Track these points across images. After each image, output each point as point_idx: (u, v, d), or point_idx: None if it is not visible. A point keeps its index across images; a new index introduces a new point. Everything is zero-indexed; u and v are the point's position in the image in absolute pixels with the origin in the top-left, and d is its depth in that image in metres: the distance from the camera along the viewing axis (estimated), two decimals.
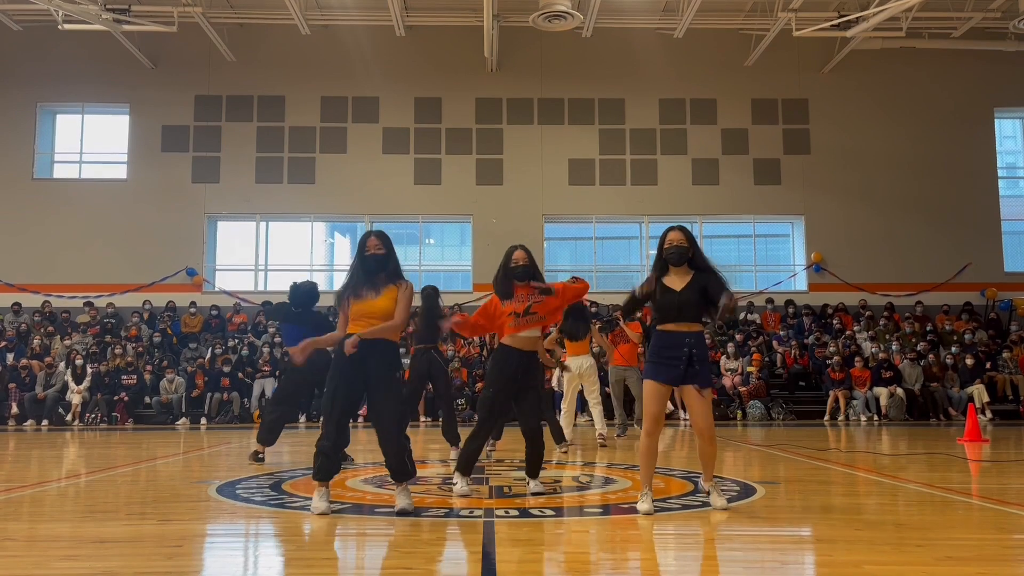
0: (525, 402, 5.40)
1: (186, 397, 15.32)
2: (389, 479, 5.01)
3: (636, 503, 4.71)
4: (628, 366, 11.00)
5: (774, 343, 17.35)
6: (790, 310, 18.42)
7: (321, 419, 4.91)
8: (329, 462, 4.74)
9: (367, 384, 4.75)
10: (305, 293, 7.79)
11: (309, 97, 19.19)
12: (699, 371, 4.72)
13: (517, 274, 5.35)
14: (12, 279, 18.22)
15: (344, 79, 19.18)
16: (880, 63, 19.13)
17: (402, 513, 4.59)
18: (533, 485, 5.42)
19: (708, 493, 4.92)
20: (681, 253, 4.82)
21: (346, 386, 4.74)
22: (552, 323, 5.61)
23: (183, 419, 14.98)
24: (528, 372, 5.41)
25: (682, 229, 4.94)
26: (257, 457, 7.45)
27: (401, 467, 4.74)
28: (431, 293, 8.34)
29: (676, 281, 4.82)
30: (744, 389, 15.52)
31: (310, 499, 5.22)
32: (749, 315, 18.35)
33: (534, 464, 5.45)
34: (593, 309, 17.79)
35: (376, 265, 4.82)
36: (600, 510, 4.94)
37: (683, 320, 4.75)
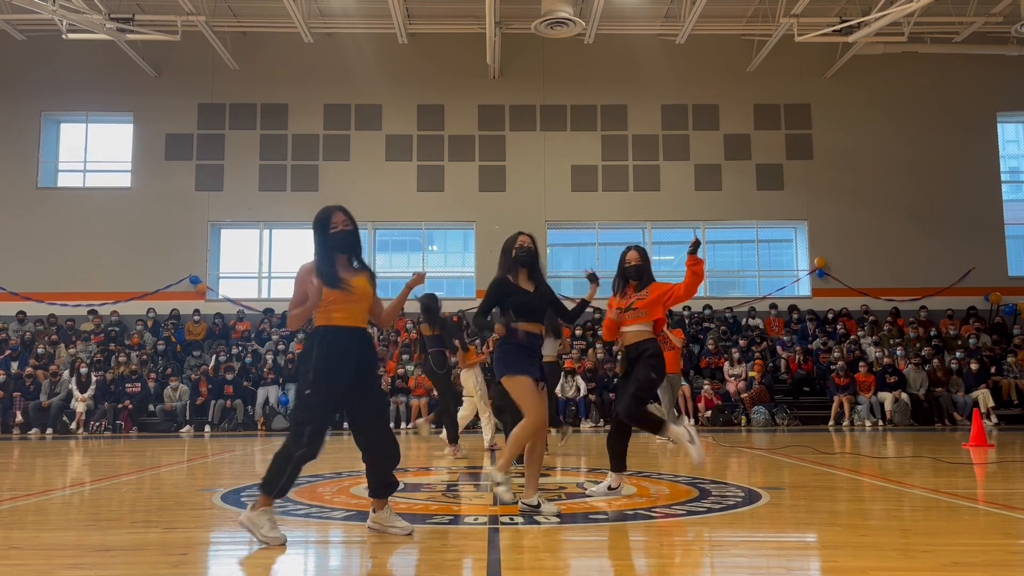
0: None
1: (190, 405, 15.34)
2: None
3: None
4: (669, 372, 11.05)
5: (778, 348, 17.30)
6: (794, 315, 18.39)
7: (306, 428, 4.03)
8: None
9: (358, 379, 4.13)
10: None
11: (312, 105, 19.26)
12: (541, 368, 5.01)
13: (631, 273, 5.64)
14: (16, 287, 18.27)
15: (347, 87, 19.24)
16: (882, 68, 19.14)
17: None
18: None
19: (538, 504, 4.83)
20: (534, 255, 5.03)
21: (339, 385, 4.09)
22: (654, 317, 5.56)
23: (187, 427, 15.00)
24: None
25: (531, 236, 5.09)
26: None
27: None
28: (431, 302, 8.67)
29: (527, 283, 5.04)
30: (747, 395, 15.49)
31: (314, 507, 5.23)
32: (751, 320, 18.33)
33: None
34: (597, 316, 17.80)
35: (357, 241, 4.24)
36: (605, 516, 4.93)
37: (538, 321, 5.04)
